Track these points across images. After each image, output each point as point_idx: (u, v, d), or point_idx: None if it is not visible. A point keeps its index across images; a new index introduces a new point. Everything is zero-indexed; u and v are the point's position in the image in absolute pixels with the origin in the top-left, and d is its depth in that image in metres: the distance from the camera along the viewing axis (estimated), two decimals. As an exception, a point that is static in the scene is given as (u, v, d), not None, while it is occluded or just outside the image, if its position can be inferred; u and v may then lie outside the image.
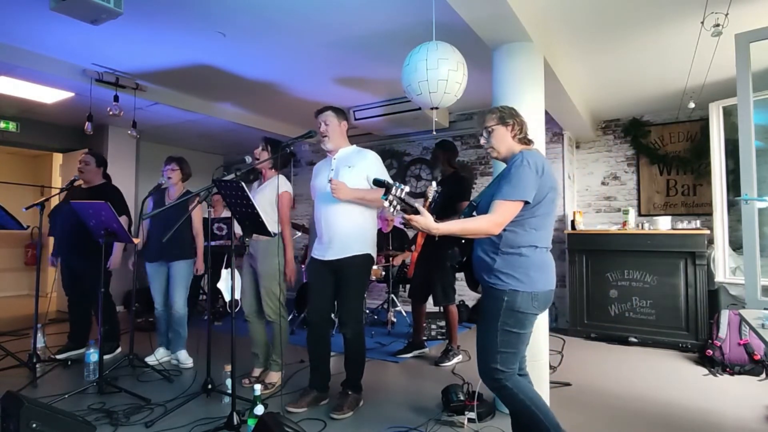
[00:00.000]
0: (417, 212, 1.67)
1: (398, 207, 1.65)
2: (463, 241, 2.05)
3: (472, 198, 1.97)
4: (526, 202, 1.75)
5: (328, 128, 2.70)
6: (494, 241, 1.80)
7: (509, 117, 1.91)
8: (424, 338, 4.01)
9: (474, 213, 1.92)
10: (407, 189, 1.65)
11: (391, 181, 1.69)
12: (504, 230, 1.77)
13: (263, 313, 3.07)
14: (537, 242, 1.80)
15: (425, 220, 1.68)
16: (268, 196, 3.03)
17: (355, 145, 2.80)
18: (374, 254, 2.73)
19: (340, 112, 2.76)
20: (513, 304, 1.76)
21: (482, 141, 1.96)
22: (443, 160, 3.80)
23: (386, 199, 1.62)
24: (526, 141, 1.93)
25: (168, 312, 3.57)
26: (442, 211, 3.60)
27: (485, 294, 1.89)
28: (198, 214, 3.58)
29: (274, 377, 3.06)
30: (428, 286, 3.71)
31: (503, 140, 1.91)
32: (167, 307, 3.57)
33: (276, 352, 3.06)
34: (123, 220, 3.60)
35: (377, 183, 1.76)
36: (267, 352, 3.15)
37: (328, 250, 2.66)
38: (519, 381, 1.82)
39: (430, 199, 3.82)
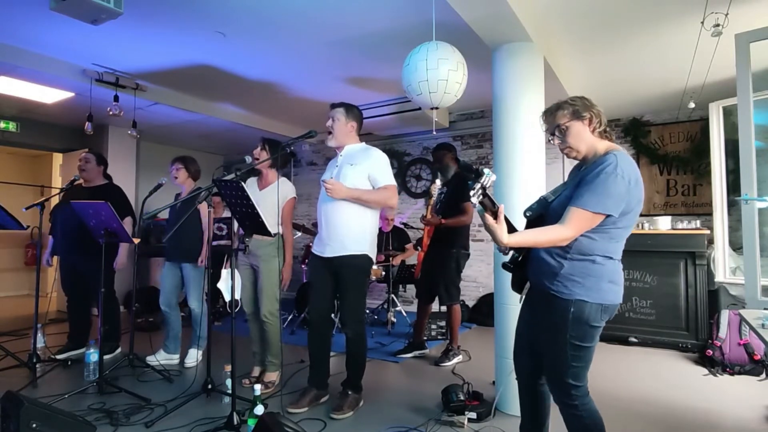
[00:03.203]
0: (495, 215, 1.49)
1: (481, 198, 1.47)
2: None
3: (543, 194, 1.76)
4: (609, 215, 1.54)
5: (334, 125, 2.69)
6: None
7: (584, 109, 1.66)
8: (425, 338, 4.01)
9: (543, 212, 1.73)
10: (494, 177, 1.49)
11: (481, 169, 1.49)
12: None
13: (259, 313, 3.07)
14: (613, 253, 1.61)
15: (500, 229, 1.49)
16: (273, 201, 2.99)
17: (363, 143, 2.80)
18: (373, 255, 2.71)
19: (352, 112, 2.73)
20: (581, 315, 1.57)
21: (555, 142, 1.71)
22: (451, 159, 3.83)
23: (473, 187, 1.46)
24: (608, 135, 1.69)
25: (173, 313, 3.60)
26: (448, 210, 3.64)
27: (544, 302, 1.68)
28: (206, 211, 3.57)
29: (273, 377, 3.07)
30: (434, 286, 3.73)
31: (581, 137, 1.66)
32: (172, 308, 3.59)
33: (272, 352, 3.06)
34: (128, 221, 3.62)
35: (464, 167, 1.59)
36: (264, 352, 3.15)
37: (326, 247, 2.66)
38: (591, 406, 1.68)
39: (434, 198, 3.85)
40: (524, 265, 1.76)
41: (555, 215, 1.63)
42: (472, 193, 1.46)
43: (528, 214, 1.75)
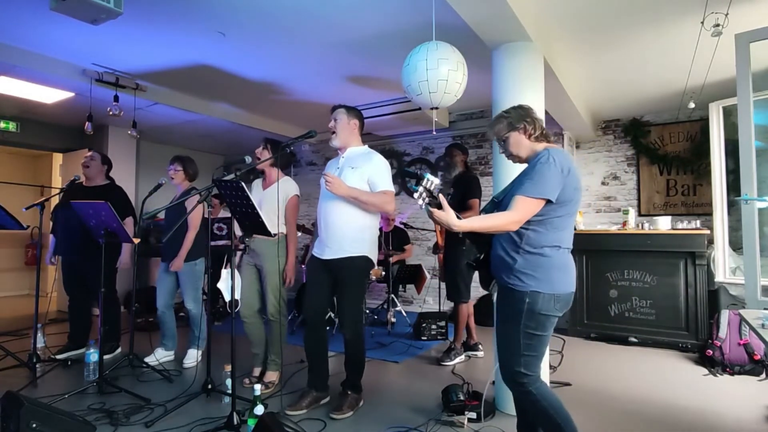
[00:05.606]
0: (440, 207, 1.65)
1: (426, 200, 1.62)
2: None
3: (494, 195, 1.98)
4: (549, 201, 1.70)
5: (337, 125, 2.70)
6: (515, 240, 1.75)
7: (518, 120, 1.85)
8: (474, 342, 3.93)
9: (495, 210, 1.87)
10: (437, 181, 1.63)
11: (421, 173, 1.68)
12: (526, 229, 1.73)
13: (263, 312, 3.07)
14: (560, 242, 1.75)
15: (447, 216, 1.65)
16: (277, 200, 2.97)
17: (366, 146, 2.80)
18: (373, 256, 2.70)
19: (353, 111, 2.75)
20: (534, 305, 1.72)
21: (500, 151, 1.94)
22: (461, 161, 3.88)
23: (416, 191, 1.61)
24: (546, 138, 1.86)
25: (168, 313, 3.61)
26: (456, 209, 3.69)
27: (504, 295, 1.84)
28: (198, 210, 3.57)
29: (273, 376, 3.06)
30: (448, 283, 3.80)
31: (520, 145, 1.85)
32: (168, 308, 3.59)
33: (274, 351, 3.05)
34: (129, 221, 3.63)
35: (407, 174, 1.75)
36: (266, 351, 3.14)
37: (325, 249, 2.65)
38: (543, 388, 1.78)
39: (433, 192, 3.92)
40: (488, 264, 1.92)
41: (505, 209, 1.79)
42: (416, 196, 1.62)
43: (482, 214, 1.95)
